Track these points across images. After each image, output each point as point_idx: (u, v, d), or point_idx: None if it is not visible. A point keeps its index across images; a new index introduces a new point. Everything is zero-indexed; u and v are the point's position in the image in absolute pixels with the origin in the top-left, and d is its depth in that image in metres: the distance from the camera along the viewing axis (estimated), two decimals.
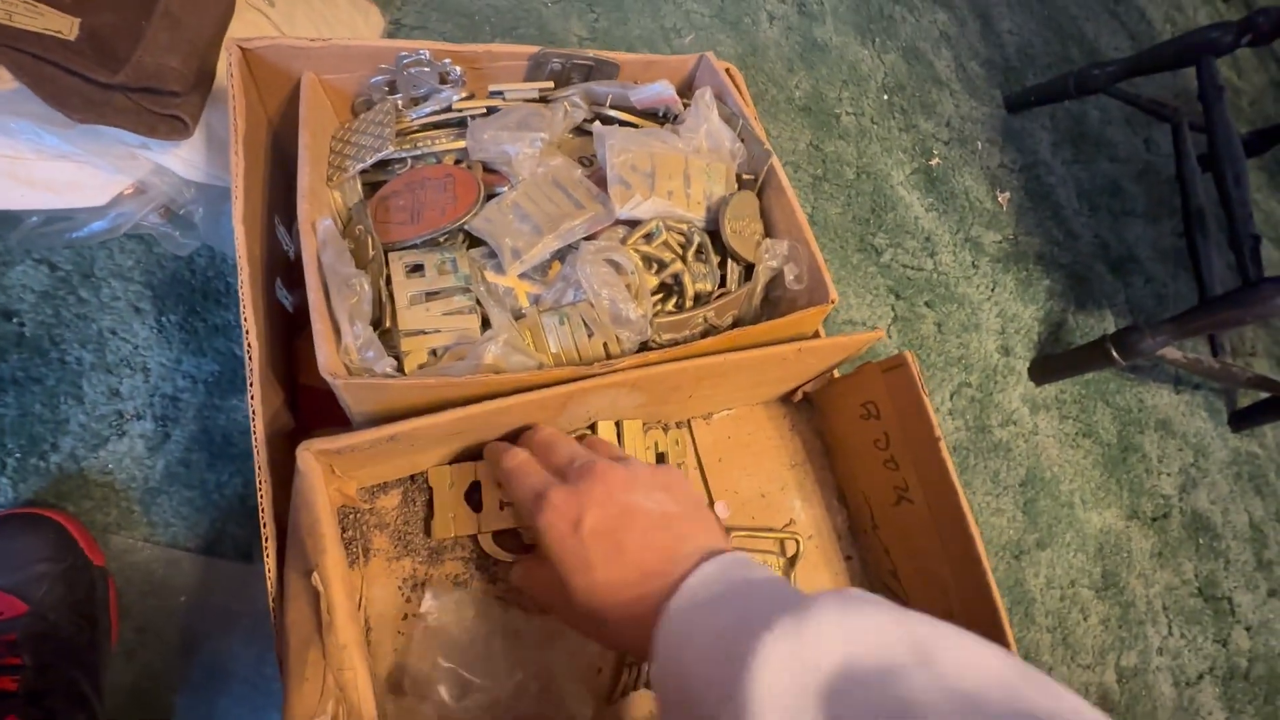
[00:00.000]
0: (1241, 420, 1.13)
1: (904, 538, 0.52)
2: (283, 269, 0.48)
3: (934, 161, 1.07)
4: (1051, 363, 0.97)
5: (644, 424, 0.52)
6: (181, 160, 0.49)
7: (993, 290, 1.01)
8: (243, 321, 0.38)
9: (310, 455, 0.35)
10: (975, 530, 0.45)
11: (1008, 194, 1.11)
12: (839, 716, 0.24)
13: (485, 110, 0.49)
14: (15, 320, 0.54)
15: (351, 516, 0.44)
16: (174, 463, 0.55)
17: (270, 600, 0.35)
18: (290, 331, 0.50)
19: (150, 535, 0.53)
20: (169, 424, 0.56)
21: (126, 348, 0.56)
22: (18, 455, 0.51)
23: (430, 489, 0.45)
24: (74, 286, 0.56)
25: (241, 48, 0.43)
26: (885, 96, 1.08)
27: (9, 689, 0.42)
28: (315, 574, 0.32)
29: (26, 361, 0.54)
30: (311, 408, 0.48)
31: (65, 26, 0.42)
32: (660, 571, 0.33)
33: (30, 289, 0.55)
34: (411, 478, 0.46)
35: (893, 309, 0.92)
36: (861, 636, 0.27)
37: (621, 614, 0.33)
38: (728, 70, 0.57)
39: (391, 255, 0.42)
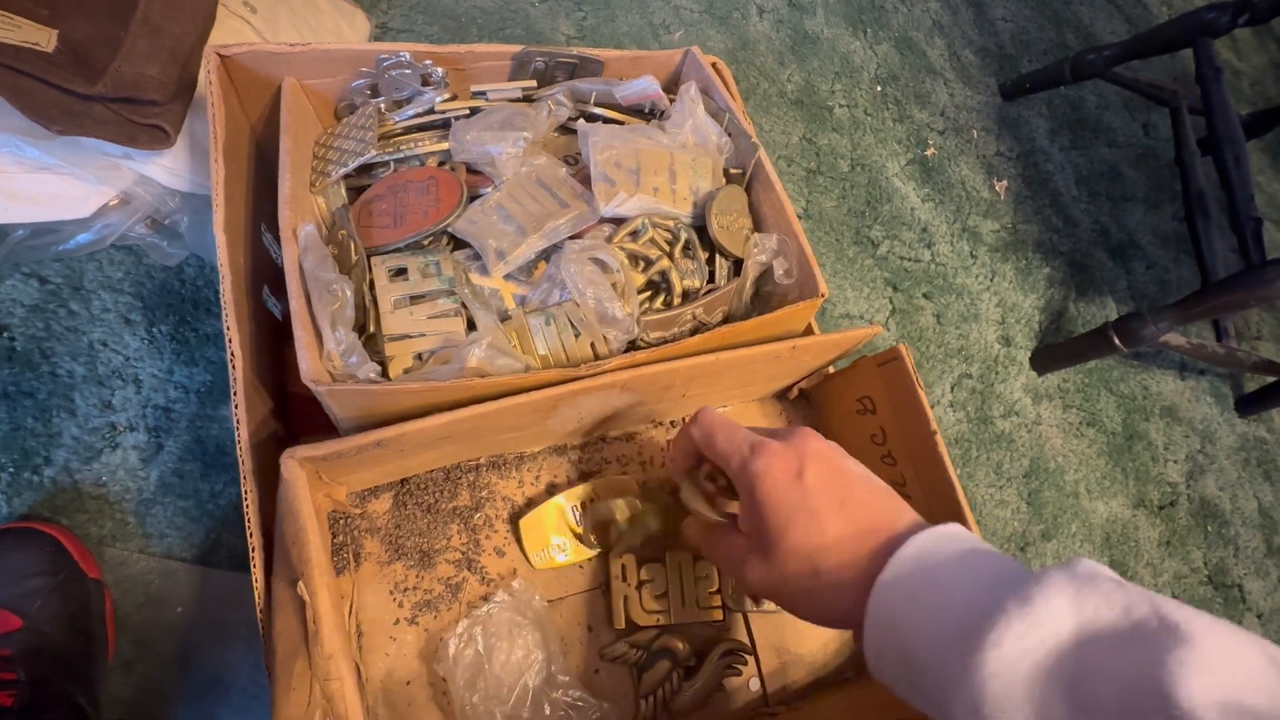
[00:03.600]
0: (1248, 405, 1.11)
1: None
2: (271, 277, 0.48)
3: (929, 152, 1.06)
4: (1053, 352, 0.96)
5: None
6: (165, 170, 0.49)
7: (992, 280, 1.00)
8: (225, 330, 0.38)
9: (294, 462, 0.35)
10: (973, 524, 0.45)
11: (1005, 182, 1.10)
12: (1082, 705, 0.24)
13: (468, 111, 0.49)
14: (6, 334, 0.54)
15: (342, 522, 0.44)
16: (168, 473, 0.55)
17: (258, 610, 0.35)
18: (280, 339, 0.50)
19: (145, 547, 0.53)
20: (162, 435, 0.56)
21: (118, 359, 0.56)
22: (10, 470, 0.51)
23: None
24: (64, 299, 0.56)
25: (220, 55, 0.43)
26: (878, 87, 1.07)
27: (4, 705, 0.42)
28: (300, 583, 0.32)
29: (18, 375, 0.53)
30: (301, 415, 0.48)
31: (43, 38, 0.42)
32: (878, 528, 0.33)
33: (20, 303, 0.55)
34: (403, 481, 0.46)
35: (891, 301, 0.92)
36: (1098, 615, 0.26)
37: (834, 571, 0.32)
38: (714, 64, 0.57)
39: (374, 260, 0.42)
